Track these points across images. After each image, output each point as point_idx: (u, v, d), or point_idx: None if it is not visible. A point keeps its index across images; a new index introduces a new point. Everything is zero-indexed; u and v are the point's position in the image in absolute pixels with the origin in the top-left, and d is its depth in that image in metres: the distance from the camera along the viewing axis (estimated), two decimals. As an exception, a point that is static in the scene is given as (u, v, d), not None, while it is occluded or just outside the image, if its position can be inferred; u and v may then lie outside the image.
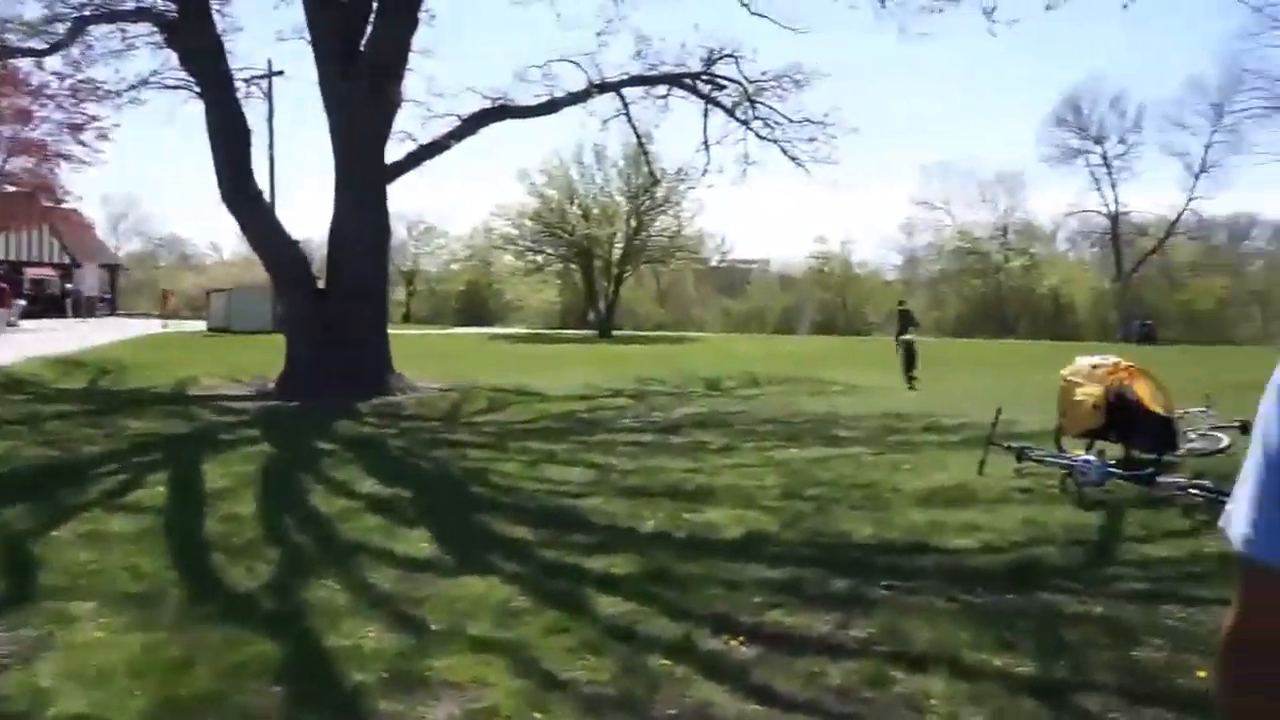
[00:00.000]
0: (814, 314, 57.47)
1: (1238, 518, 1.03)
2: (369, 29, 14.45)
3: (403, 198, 39.14)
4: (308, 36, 14.86)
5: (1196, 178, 50.94)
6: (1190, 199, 51.82)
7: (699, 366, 21.06)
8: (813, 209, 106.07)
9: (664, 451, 9.68)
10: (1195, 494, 6.94)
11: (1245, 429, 8.42)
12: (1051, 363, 10.16)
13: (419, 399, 13.82)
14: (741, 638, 4.33)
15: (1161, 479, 7.24)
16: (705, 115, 18.72)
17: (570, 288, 53.63)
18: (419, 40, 15.10)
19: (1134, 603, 4.88)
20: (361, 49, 14.51)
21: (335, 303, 14.46)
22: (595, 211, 46.51)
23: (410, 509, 7.03)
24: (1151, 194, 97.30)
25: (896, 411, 12.78)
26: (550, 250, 48.83)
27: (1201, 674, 3.88)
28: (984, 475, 8.03)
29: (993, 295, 54.93)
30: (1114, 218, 54.57)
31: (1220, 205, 74.92)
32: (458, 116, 16.69)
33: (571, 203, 47.03)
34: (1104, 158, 53.78)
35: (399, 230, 51.88)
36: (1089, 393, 7.83)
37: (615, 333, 43.99)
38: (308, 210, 64.88)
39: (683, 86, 18.24)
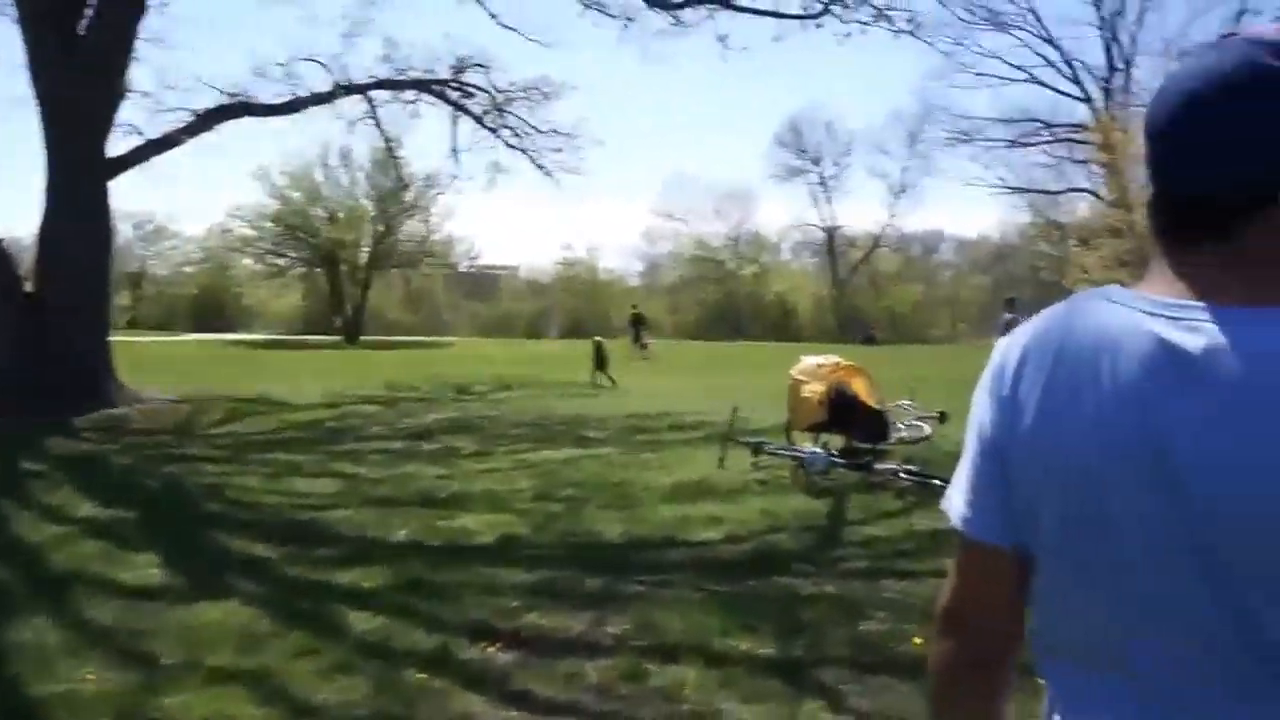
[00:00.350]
0: (562, 319, 58.07)
1: (956, 498, 1.08)
2: (89, 10, 13.00)
3: (129, 195, 35.74)
4: (14, 14, 13.18)
5: (896, 197, 56.26)
6: (891, 216, 57.26)
7: (450, 371, 20.65)
8: (561, 217, 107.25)
9: (415, 458, 9.36)
10: (904, 478, 7.53)
11: (943, 418, 9.26)
12: (780, 363, 10.71)
13: (146, 411, 12.59)
14: (499, 644, 4.21)
15: (877, 466, 7.81)
16: (454, 122, 18.46)
17: (315, 292, 51.16)
18: (149, 28, 13.80)
19: (859, 580, 5.20)
20: (80, 32, 13.04)
21: (46, 308, 12.88)
22: (341, 215, 44.62)
23: (136, 532, 6.35)
24: (860, 210, 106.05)
25: (642, 411, 13.07)
26: (293, 253, 46.35)
27: (917, 641, 4.17)
28: (724, 469, 8.34)
29: (726, 301, 57.85)
30: (830, 231, 59.10)
31: (915, 222, 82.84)
32: (191, 111, 15.44)
33: (315, 205, 44.85)
34: (820, 177, 58.16)
35: (123, 230, 47.32)
36: (814, 390, 8.32)
37: (363, 338, 42.35)
38: (16, 205, 57.79)
39: (431, 92, 17.84)
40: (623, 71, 56.58)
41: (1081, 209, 37.11)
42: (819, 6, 12.38)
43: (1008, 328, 10.19)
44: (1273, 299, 0.90)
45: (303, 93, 16.43)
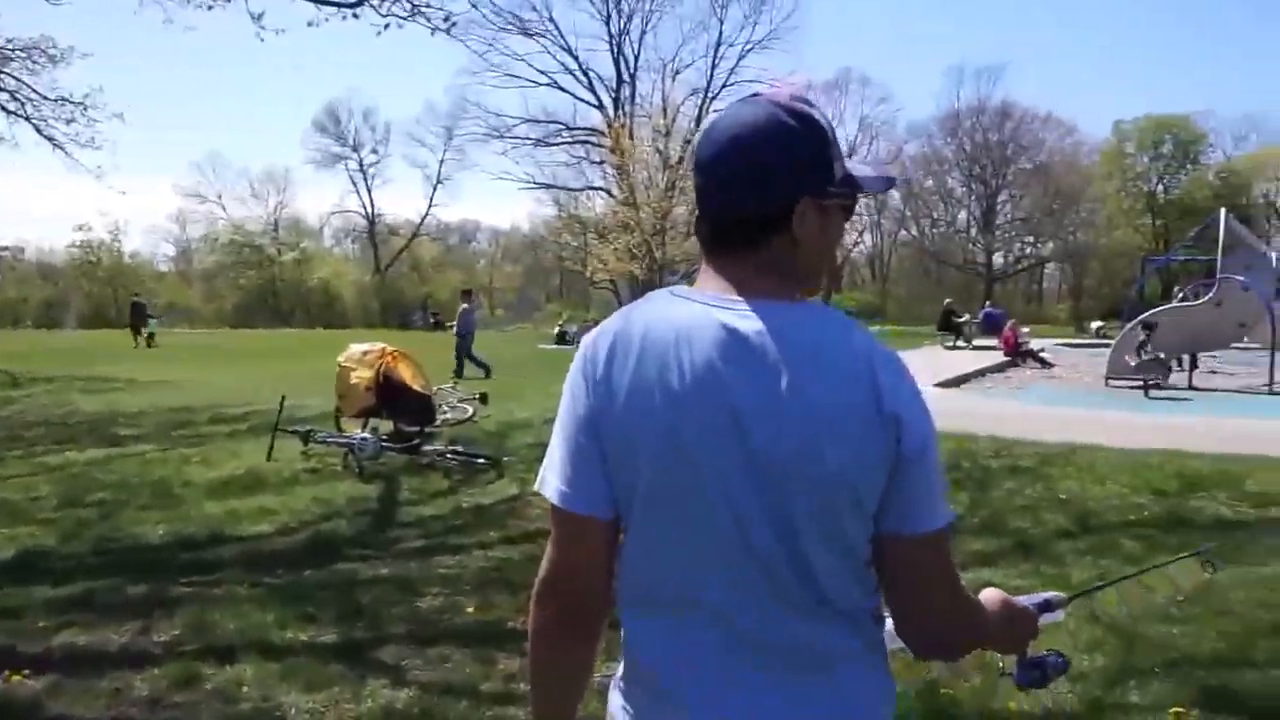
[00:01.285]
0: (81, 306, 50.16)
1: (552, 478, 1.18)
2: None
3: None
4: None
5: (435, 188, 56.40)
6: (431, 205, 57.28)
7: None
8: (79, 195, 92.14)
9: (-106, 472, 7.66)
10: (451, 458, 7.78)
11: (484, 400, 9.69)
12: (326, 350, 10.36)
13: None
14: (26, 671, 3.68)
15: (425, 448, 7.96)
16: (-70, 80, 15.06)
17: None
18: None
19: (414, 559, 5.32)
20: None
21: None
22: None
23: None
24: (401, 199, 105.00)
25: (181, 405, 11.89)
26: None
27: (470, 610, 4.42)
28: (273, 461, 7.95)
29: (268, 287, 54.08)
30: (371, 218, 57.76)
31: (454, 212, 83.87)
32: None
33: None
34: (360, 164, 56.50)
35: None
36: (362, 376, 8.21)
37: None
38: None
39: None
40: (152, 46, 50.06)
41: (599, 205, 40.08)
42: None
43: (466, 315, 10.76)
44: (791, 293, 1.16)
45: None
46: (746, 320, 1.11)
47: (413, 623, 4.28)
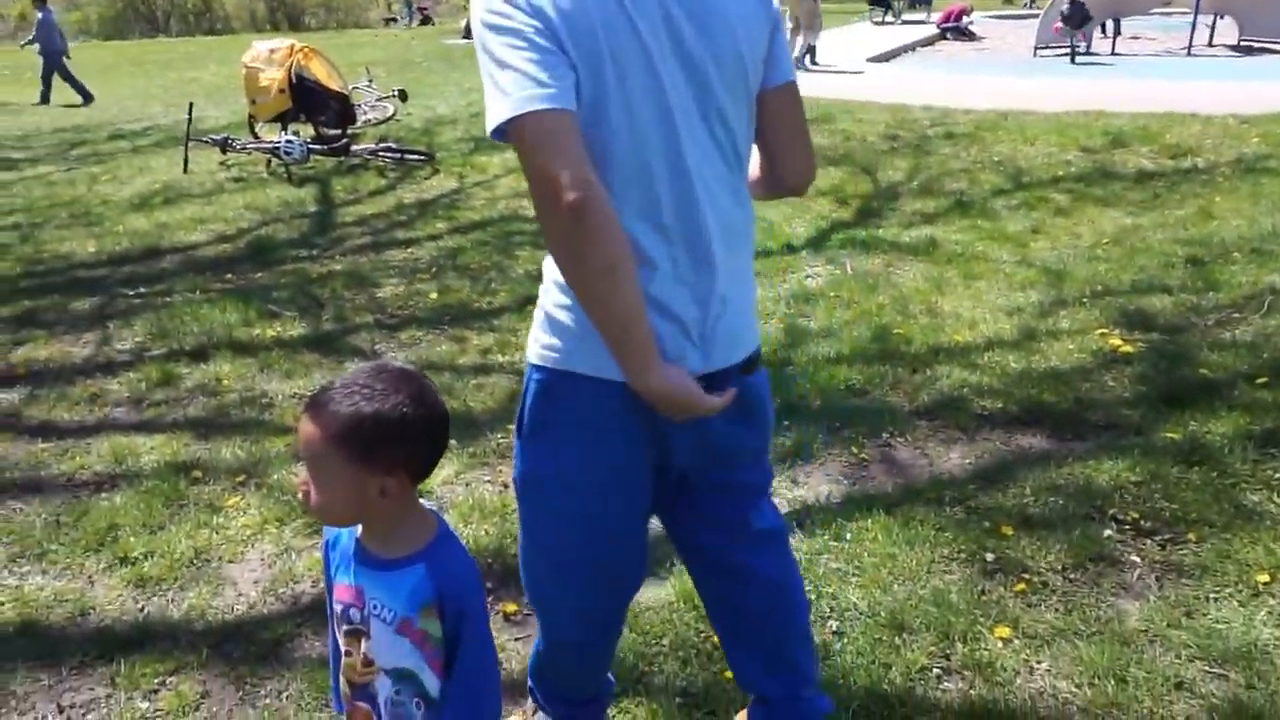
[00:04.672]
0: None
1: (527, 90, 1.10)
2: None
3: None
4: None
5: None
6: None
7: None
8: None
9: None
10: (385, 157, 7.48)
11: (404, 96, 9.19)
12: (216, 57, 9.50)
13: None
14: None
15: (355, 148, 7.62)
16: None
17: None
18: None
19: (364, 255, 5.26)
20: None
21: None
22: None
23: None
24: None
25: (71, 125, 11.03)
26: None
27: (433, 296, 4.45)
28: (190, 172, 7.57)
29: (133, -9, 48.53)
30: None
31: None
32: None
33: None
34: None
35: None
36: (272, 77, 7.66)
37: None
38: None
39: None
40: None
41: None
42: None
43: (46, 29, 9.59)
44: None
45: None
46: None
47: (377, 312, 4.31)
